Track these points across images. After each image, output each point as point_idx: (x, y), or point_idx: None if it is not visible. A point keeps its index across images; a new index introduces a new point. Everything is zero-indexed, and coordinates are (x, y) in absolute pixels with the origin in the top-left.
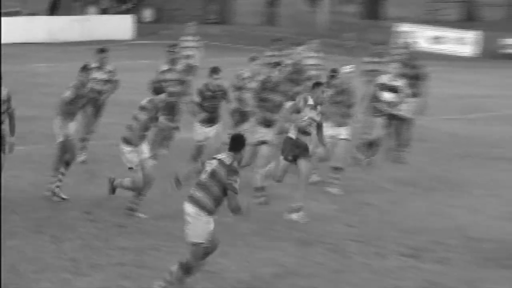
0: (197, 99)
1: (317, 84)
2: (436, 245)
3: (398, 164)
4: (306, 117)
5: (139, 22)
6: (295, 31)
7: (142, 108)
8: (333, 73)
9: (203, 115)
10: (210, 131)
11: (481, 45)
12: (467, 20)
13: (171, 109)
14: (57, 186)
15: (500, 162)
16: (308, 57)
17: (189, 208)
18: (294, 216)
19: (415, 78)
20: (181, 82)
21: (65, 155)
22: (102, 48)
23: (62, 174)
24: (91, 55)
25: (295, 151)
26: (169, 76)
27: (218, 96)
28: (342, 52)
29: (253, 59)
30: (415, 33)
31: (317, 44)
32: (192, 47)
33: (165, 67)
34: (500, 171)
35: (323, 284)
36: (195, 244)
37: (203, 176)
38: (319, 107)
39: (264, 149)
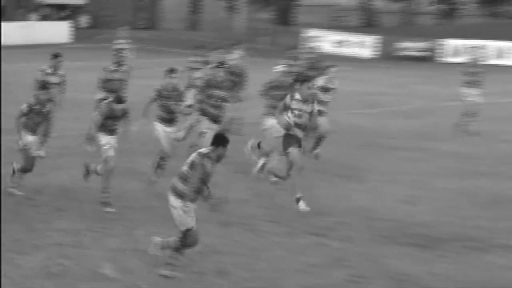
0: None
1: (303, 81)
2: (341, 225)
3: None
4: (296, 111)
5: (77, 27)
6: (215, 35)
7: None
8: (220, 65)
9: (162, 114)
10: (170, 131)
11: (379, 48)
12: (367, 26)
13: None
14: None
15: (398, 151)
16: (236, 59)
17: (173, 200)
18: (303, 206)
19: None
20: (124, 81)
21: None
22: (56, 53)
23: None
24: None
25: (293, 143)
26: (116, 75)
27: (173, 96)
28: (256, 55)
29: (171, 71)
30: (321, 38)
31: (243, 48)
32: (125, 49)
33: (112, 67)
34: (398, 159)
35: (241, 260)
36: (187, 230)
37: (184, 168)
38: (310, 100)
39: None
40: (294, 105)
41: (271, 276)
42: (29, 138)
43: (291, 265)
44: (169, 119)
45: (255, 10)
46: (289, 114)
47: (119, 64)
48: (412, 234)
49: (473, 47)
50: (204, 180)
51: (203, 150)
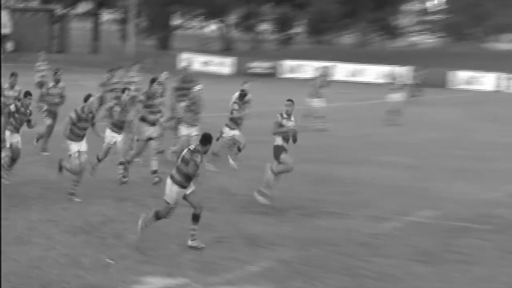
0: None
1: (289, 100)
2: (208, 199)
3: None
4: (285, 128)
5: (4, 51)
6: (111, 57)
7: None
8: (153, 81)
9: (114, 121)
10: (118, 136)
11: (235, 67)
12: (226, 50)
13: (54, 116)
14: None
15: (251, 143)
16: (134, 76)
17: (169, 182)
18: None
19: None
20: (62, 96)
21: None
22: (12, 72)
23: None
24: None
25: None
26: (55, 91)
27: (124, 108)
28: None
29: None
30: (192, 59)
31: (138, 67)
32: (44, 69)
33: (51, 84)
34: (250, 150)
35: (133, 227)
36: (167, 203)
37: (179, 161)
38: (292, 117)
39: (152, 143)
40: (285, 123)
41: (157, 238)
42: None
43: (172, 229)
44: (119, 126)
45: (142, 37)
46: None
47: (57, 81)
48: (262, 205)
49: (316, 67)
50: (196, 170)
51: (192, 147)
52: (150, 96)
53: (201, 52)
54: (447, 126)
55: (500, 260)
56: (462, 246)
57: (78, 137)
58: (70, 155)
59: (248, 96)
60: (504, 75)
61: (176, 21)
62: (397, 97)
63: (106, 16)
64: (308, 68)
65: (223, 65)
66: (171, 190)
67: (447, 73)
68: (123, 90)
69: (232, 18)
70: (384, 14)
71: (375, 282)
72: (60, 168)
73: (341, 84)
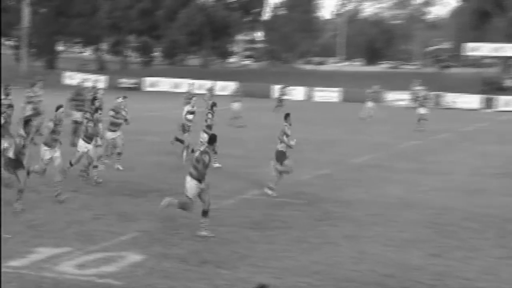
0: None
1: (288, 114)
2: (89, 185)
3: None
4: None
5: None
6: (8, 75)
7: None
8: (95, 97)
9: (87, 134)
10: (90, 146)
11: (108, 83)
12: (100, 69)
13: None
14: None
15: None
16: (37, 91)
17: (188, 179)
18: (270, 192)
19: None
20: (11, 105)
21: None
22: (6, 84)
23: None
24: None
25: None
26: (5, 101)
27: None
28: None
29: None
30: (73, 76)
31: (41, 84)
32: None
33: (3, 96)
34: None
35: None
36: (187, 197)
37: (194, 161)
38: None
39: (99, 150)
40: (288, 132)
41: (48, 217)
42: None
43: (60, 209)
44: (89, 137)
45: (33, 59)
46: None
47: (7, 94)
48: (128, 188)
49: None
50: (205, 168)
51: (202, 148)
52: (115, 110)
53: (80, 71)
54: (270, 126)
55: (310, 226)
56: (282, 216)
57: (52, 145)
58: (42, 159)
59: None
60: (309, 88)
61: (60, 47)
62: (236, 105)
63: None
64: (165, 83)
65: (98, 81)
66: (190, 185)
67: (269, 87)
68: (96, 110)
69: (105, 44)
70: (221, 42)
71: (219, 245)
72: (28, 173)
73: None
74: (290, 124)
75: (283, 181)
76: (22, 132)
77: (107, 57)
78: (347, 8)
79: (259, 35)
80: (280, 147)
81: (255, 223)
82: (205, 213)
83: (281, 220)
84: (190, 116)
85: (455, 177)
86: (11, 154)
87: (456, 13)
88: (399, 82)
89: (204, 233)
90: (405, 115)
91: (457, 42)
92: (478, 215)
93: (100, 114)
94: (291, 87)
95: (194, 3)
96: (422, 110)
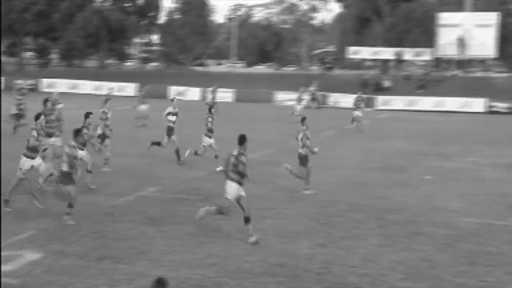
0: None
1: (304, 119)
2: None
3: None
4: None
5: None
6: None
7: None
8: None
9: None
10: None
11: (4, 84)
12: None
13: None
14: None
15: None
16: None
17: (229, 182)
18: (308, 191)
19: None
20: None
21: None
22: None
23: None
24: None
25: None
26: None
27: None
28: None
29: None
30: None
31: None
32: None
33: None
34: None
35: None
36: (227, 199)
37: (231, 165)
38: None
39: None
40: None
41: None
42: None
43: None
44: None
45: None
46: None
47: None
48: (25, 187)
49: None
50: (245, 169)
51: (235, 152)
52: (48, 113)
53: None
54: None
55: (205, 220)
56: (178, 211)
57: (36, 153)
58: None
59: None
60: (203, 89)
61: None
62: (144, 107)
63: None
64: (62, 85)
65: None
66: (231, 187)
67: (166, 88)
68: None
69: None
70: (118, 45)
71: (117, 242)
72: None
73: (87, 96)
74: (307, 128)
75: (179, 178)
76: (73, 142)
77: (3, 58)
78: (239, 13)
79: (155, 38)
80: (304, 151)
81: (152, 219)
82: (247, 219)
83: (177, 215)
84: (172, 118)
85: (340, 172)
86: (64, 167)
87: (340, 19)
88: (288, 83)
89: (253, 238)
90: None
91: (341, 45)
92: (361, 207)
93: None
94: (220, 89)
95: (91, 6)
96: (356, 112)
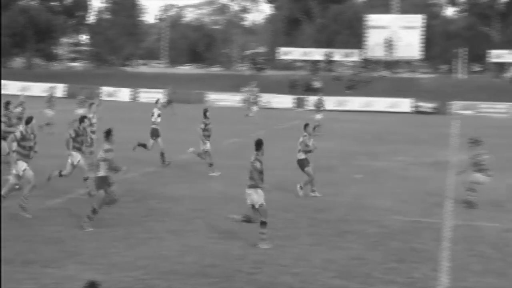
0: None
1: (307, 125)
2: None
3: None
4: (311, 146)
5: None
6: None
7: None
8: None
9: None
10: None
11: None
12: None
13: None
14: None
15: None
16: None
17: (249, 191)
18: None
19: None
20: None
21: None
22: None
23: None
24: None
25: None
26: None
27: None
28: None
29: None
30: None
31: None
32: None
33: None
34: None
35: None
36: (260, 205)
37: (249, 172)
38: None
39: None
40: (309, 142)
41: None
42: None
43: None
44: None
45: None
46: None
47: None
48: None
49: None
50: (261, 173)
51: (252, 158)
52: (11, 117)
53: None
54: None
55: (136, 222)
56: (109, 213)
57: (25, 156)
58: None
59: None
60: (134, 90)
61: None
62: (50, 112)
63: None
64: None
65: None
66: (257, 193)
67: (97, 89)
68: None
69: None
70: (45, 45)
71: (45, 245)
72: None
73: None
74: (309, 134)
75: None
76: (107, 145)
77: None
78: (170, 13)
79: (84, 38)
80: (300, 155)
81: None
82: (263, 224)
83: (108, 218)
84: (157, 119)
85: (271, 172)
86: (102, 172)
87: (270, 20)
88: (220, 84)
89: (265, 246)
90: (227, 115)
91: (272, 46)
92: (293, 206)
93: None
94: (176, 90)
95: (17, 5)
96: (317, 116)
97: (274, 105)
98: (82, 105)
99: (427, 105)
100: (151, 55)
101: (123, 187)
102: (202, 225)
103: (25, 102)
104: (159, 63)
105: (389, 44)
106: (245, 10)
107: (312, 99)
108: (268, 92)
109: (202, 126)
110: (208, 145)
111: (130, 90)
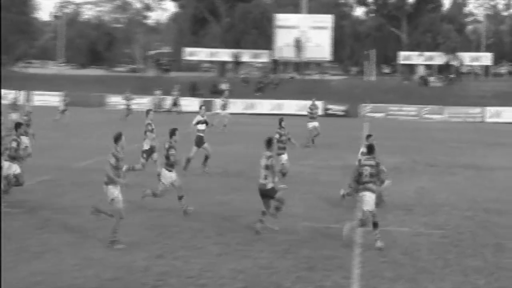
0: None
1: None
2: None
3: None
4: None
5: None
6: None
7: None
8: None
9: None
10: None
11: None
12: None
13: None
14: None
15: None
16: None
17: (367, 193)
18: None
19: None
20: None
21: None
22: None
23: None
24: None
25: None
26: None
27: None
28: None
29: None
30: None
31: None
32: None
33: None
34: None
35: None
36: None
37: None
38: None
39: None
40: None
41: None
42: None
43: None
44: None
45: None
46: None
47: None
48: None
49: None
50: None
51: (266, 153)
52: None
53: None
54: None
55: (30, 235)
56: None
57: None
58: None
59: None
60: (28, 92)
61: None
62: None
63: None
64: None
65: None
66: (370, 197)
67: None
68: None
69: None
70: None
71: None
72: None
73: None
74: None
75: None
76: (268, 152)
77: None
78: (66, 11)
79: None
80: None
81: None
82: (375, 224)
83: None
84: (201, 127)
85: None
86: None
87: (175, 19)
88: (123, 86)
89: (379, 244)
90: (130, 119)
91: (177, 46)
92: (200, 214)
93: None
94: (132, 95)
95: None
96: (312, 124)
97: (182, 108)
98: (15, 109)
99: (337, 108)
100: (46, 55)
101: (14, 197)
102: (103, 236)
103: (32, 112)
104: (59, 64)
105: (298, 45)
106: (148, 8)
107: (219, 102)
108: (174, 94)
109: (277, 136)
110: (284, 157)
111: (24, 92)
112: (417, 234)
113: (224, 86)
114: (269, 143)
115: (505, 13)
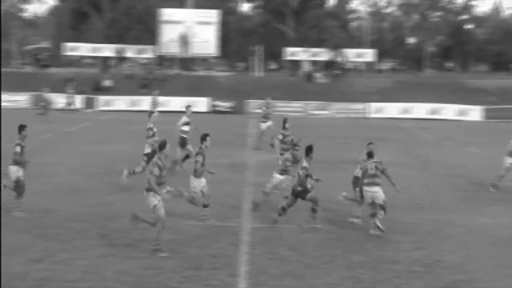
0: None
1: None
2: None
3: None
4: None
5: None
6: None
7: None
8: None
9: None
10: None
11: None
12: None
13: None
14: None
15: None
16: None
17: (376, 188)
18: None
19: None
20: None
21: None
22: None
23: None
24: None
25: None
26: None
27: None
28: None
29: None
30: None
31: None
32: None
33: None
34: None
35: None
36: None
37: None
38: None
39: None
40: None
41: None
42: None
43: None
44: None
45: None
46: None
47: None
48: None
49: None
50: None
51: (303, 162)
52: None
53: None
54: None
55: None
56: None
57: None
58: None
59: None
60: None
61: None
62: None
63: None
64: None
65: None
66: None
67: None
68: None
69: None
70: None
71: None
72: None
73: None
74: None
75: None
76: (305, 162)
77: None
78: None
79: None
80: (355, 172)
81: None
82: (384, 209)
83: None
84: (186, 128)
85: (57, 179)
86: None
87: (54, 12)
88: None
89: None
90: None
91: (57, 41)
92: (81, 215)
93: None
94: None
95: None
96: (266, 124)
97: (59, 106)
98: None
99: (224, 104)
100: None
101: None
102: None
103: None
104: None
105: (184, 41)
106: (24, 0)
107: (102, 100)
108: (53, 91)
109: (280, 137)
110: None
111: None
112: (304, 231)
113: (107, 83)
114: (309, 150)
115: (387, 11)
